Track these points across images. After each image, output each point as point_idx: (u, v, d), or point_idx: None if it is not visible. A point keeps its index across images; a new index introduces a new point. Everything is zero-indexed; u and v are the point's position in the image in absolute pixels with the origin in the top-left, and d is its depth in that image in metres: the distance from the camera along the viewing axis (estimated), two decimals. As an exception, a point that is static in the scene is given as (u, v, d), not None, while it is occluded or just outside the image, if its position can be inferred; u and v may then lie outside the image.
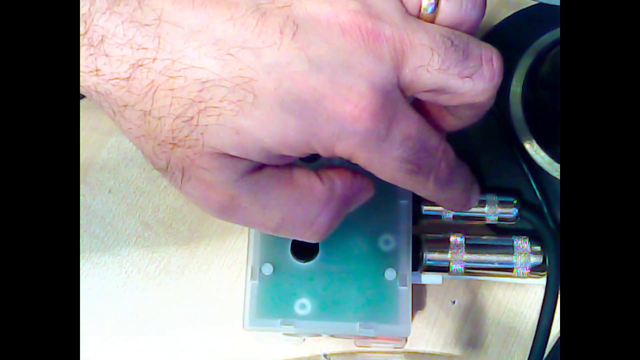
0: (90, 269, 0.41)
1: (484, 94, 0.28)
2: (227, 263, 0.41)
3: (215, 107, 0.25)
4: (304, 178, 0.29)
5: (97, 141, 0.42)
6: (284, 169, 0.28)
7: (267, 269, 0.36)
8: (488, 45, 0.28)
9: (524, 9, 0.43)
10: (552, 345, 0.39)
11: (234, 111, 0.25)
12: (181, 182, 0.27)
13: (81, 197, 0.41)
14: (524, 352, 0.39)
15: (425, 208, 0.39)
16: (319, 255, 0.37)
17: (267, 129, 0.25)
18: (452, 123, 0.31)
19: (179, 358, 0.40)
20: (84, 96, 0.27)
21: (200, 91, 0.25)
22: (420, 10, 0.27)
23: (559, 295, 0.38)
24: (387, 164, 0.27)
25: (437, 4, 0.27)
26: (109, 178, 0.42)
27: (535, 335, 0.38)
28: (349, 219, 0.37)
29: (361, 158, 0.27)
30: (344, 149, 0.26)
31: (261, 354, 0.40)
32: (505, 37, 0.43)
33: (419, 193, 0.30)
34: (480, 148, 0.41)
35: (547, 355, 0.38)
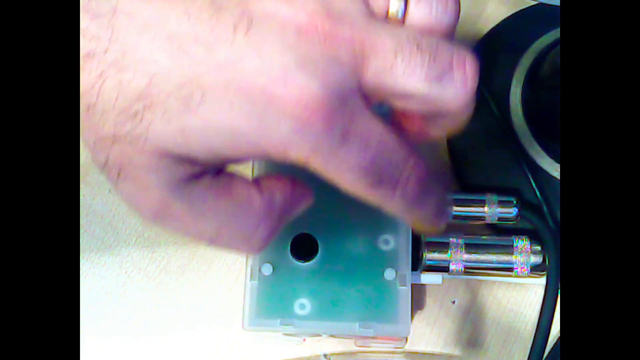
0: (90, 269, 0.41)
1: (457, 101, 0.26)
2: (227, 263, 0.41)
3: (162, 103, 0.24)
4: (243, 189, 0.27)
5: (97, 141, 0.42)
6: (222, 179, 0.27)
7: (267, 269, 0.36)
8: (461, 50, 0.26)
9: (524, 9, 0.43)
10: (552, 345, 0.39)
11: (180, 108, 0.24)
12: (117, 180, 0.25)
13: (81, 197, 0.41)
14: (524, 352, 0.39)
15: (425, 208, 0.39)
16: (318, 256, 0.37)
17: (214, 128, 0.24)
18: (428, 132, 0.29)
19: (179, 358, 0.40)
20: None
21: (147, 85, 0.24)
22: (387, 14, 0.26)
23: (559, 295, 0.38)
24: (344, 173, 0.25)
25: (405, 7, 0.26)
26: (109, 178, 0.42)
27: (535, 335, 0.38)
28: (348, 219, 0.38)
29: (317, 165, 0.25)
30: (297, 153, 0.25)
31: (261, 354, 0.40)
32: (505, 37, 0.43)
33: (386, 209, 0.28)
34: (480, 148, 0.41)
35: (547, 355, 0.38)
